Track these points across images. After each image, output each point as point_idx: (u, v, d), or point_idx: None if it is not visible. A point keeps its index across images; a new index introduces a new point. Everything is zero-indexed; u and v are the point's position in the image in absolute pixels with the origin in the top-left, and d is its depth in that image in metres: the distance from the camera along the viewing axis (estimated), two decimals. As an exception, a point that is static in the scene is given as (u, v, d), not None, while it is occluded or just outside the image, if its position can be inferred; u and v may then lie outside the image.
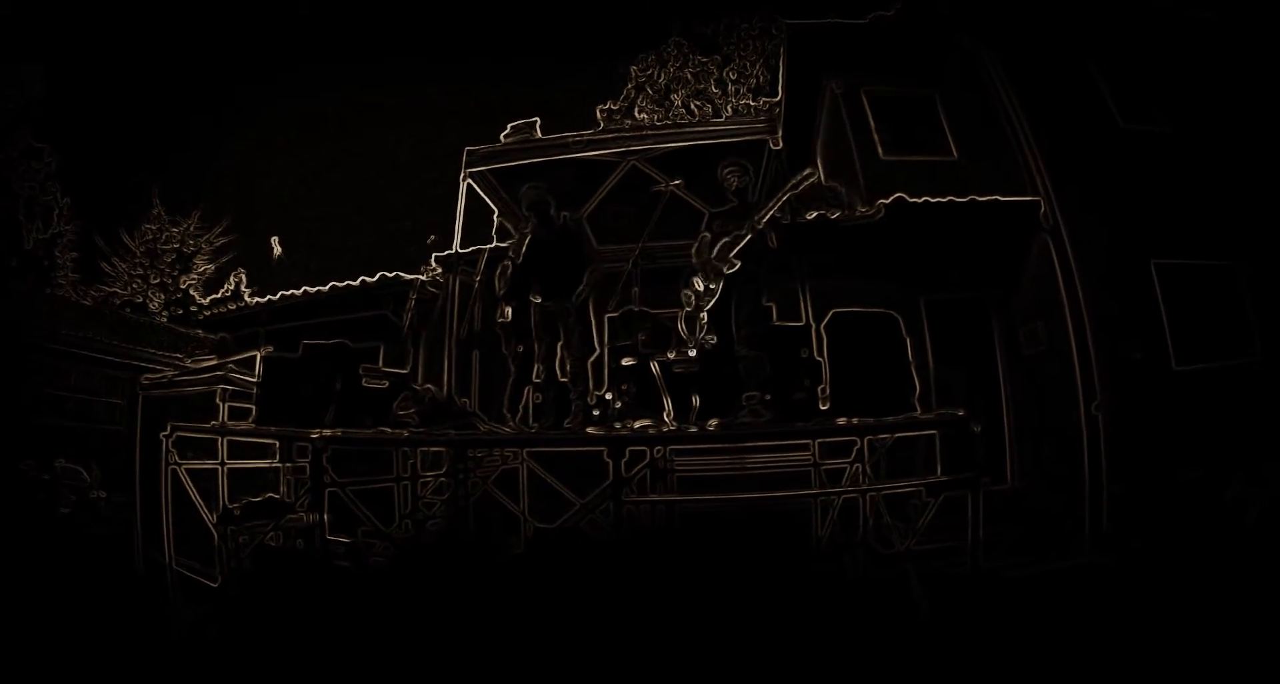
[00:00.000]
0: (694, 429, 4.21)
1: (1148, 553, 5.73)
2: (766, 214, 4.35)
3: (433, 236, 5.58)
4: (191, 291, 16.38)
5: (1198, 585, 4.84)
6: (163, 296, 16.51)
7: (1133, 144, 7.26)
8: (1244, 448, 5.94)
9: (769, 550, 5.37)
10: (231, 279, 15.74)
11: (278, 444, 6.69)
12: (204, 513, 5.30)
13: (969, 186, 6.98)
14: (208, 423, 5.27)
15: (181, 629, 5.33)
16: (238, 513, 5.97)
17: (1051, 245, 6.78)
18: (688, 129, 6.72)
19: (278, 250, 5.43)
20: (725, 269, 4.39)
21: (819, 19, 8.05)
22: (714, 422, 4.18)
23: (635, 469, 5.60)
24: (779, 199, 4.40)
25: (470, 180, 5.49)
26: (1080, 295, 6.59)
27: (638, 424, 3.90)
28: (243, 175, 18.33)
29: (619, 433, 3.98)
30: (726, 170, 4.77)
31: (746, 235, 4.38)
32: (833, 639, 4.25)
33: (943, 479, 4.22)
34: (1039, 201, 6.87)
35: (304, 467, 6.35)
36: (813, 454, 6.04)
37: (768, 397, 4.07)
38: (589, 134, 5.24)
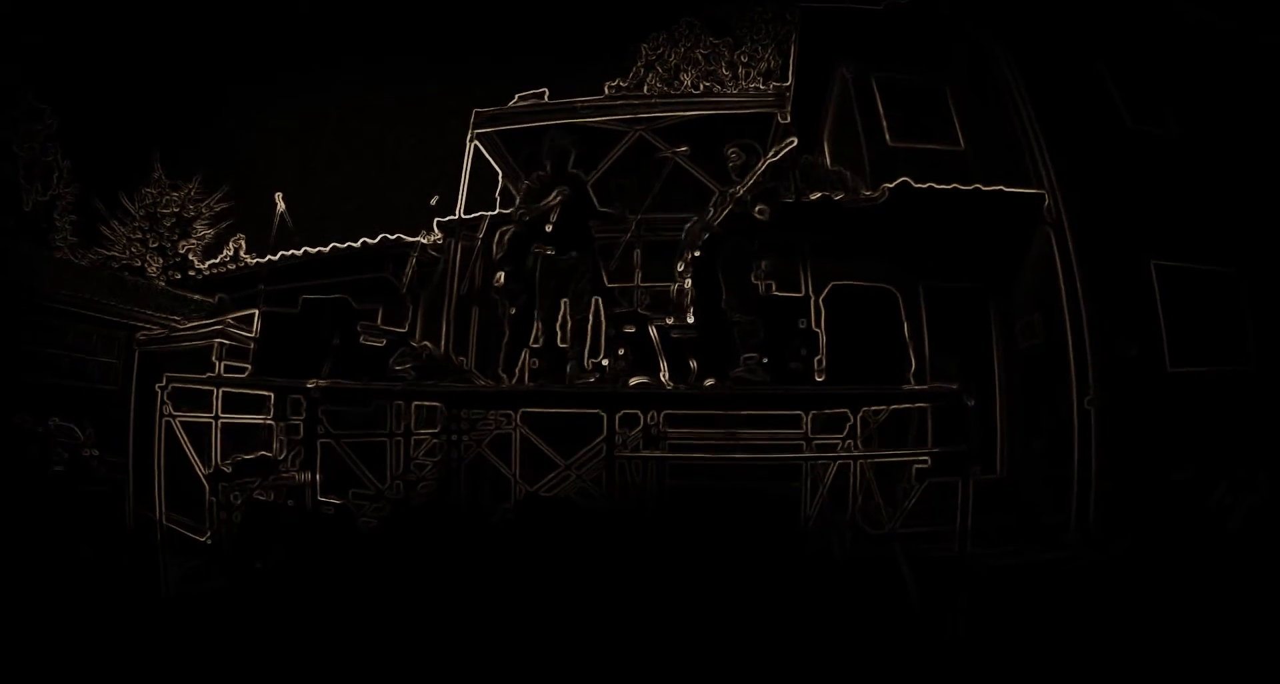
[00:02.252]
0: (689, 391, 4.21)
1: (1131, 551, 5.79)
2: (745, 185, 4.36)
3: (436, 196, 5.56)
4: (190, 256, 16.24)
5: (1178, 585, 4.90)
6: (161, 261, 16.37)
7: (1140, 145, 7.26)
8: (1232, 454, 6.00)
9: (757, 526, 5.41)
10: (231, 244, 15.63)
11: (272, 398, 6.71)
12: (196, 465, 5.30)
13: (974, 177, 7.00)
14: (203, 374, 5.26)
15: (170, 583, 5.34)
16: (229, 470, 6.00)
17: (1053, 239, 6.79)
18: (696, 99, 6.70)
19: (281, 207, 5.39)
20: (704, 239, 4.40)
21: (834, 3, 8.03)
22: (709, 381, 4.19)
23: (631, 431, 5.64)
24: (756, 170, 4.41)
25: (477, 142, 5.46)
26: (1080, 290, 6.61)
27: (634, 381, 3.91)
28: (245, 141, 18.22)
29: (613, 389, 3.99)
30: (730, 150, 4.75)
31: (727, 206, 4.39)
32: (819, 610, 4.29)
33: (935, 450, 4.24)
34: (1043, 195, 6.88)
35: (297, 424, 6.37)
36: (804, 428, 6.10)
37: (765, 359, 4.07)
38: (598, 99, 5.21)
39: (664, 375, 4.38)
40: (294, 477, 6.25)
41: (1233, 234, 6.87)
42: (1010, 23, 7.54)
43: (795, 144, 4.59)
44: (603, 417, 4.45)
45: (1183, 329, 6.69)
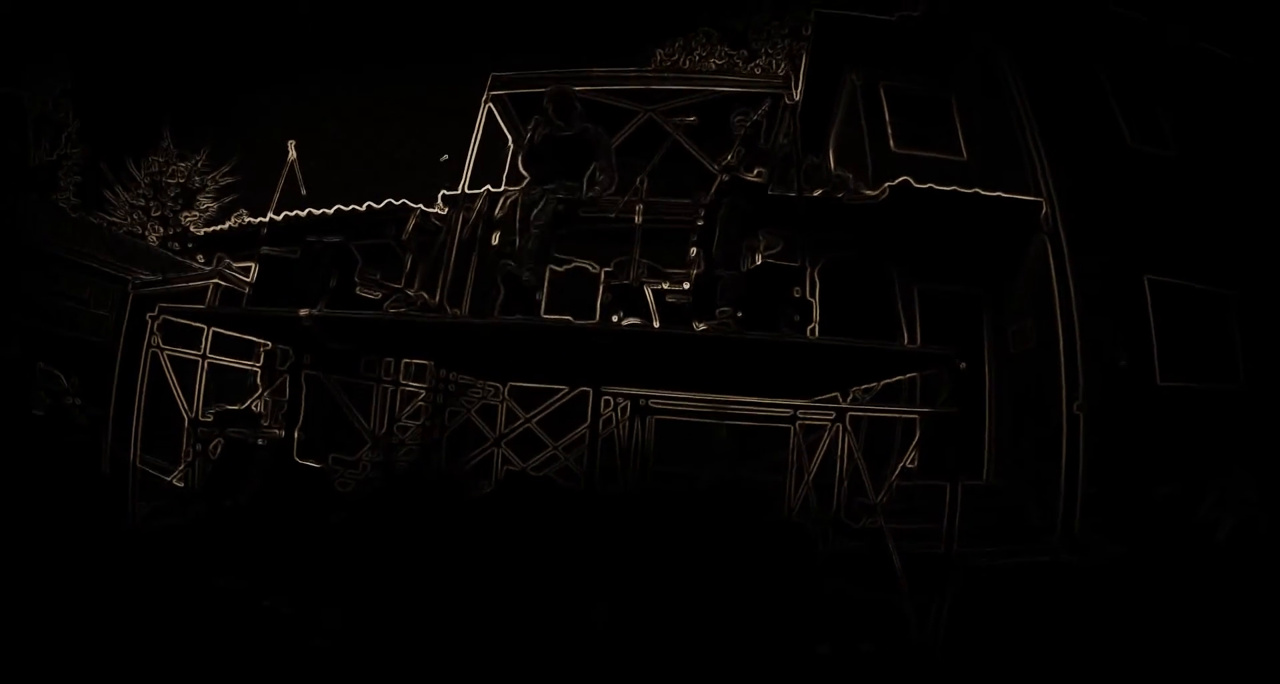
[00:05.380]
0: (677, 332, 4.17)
1: (1117, 557, 5.77)
2: (729, 157, 4.45)
3: (445, 156, 5.59)
4: (192, 228, 16.24)
5: (1164, 592, 4.87)
6: (162, 230, 16.36)
7: (1138, 163, 7.39)
8: (1217, 467, 6.02)
9: (739, 514, 5.36)
10: (234, 219, 15.62)
11: (262, 353, 6.67)
12: (180, 400, 5.24)
13: (974, 186, 7.09)
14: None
15: (136, 518, 5.24)
16: (210, 420, 5.94)
17: (1049, 247, 6.87)
18: (707, 76, 6.82)
19: (293, 155, 5.41)
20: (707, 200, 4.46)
21: (849, 11, 8.24)
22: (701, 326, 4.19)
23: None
24: (745, 128, 4.48)
25: (491, 105, 5.53)
26: (1073, 299, 6.66)
27: (627, 322, 3.91)
28: (255, 115, 18.23)
29: (604, 327, 3.98)
30: (736, 117, 4.82)
31: (719, 178, 4.47)
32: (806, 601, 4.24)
33: (924, 409, 4.22)
34: (1041, 203, 6.97)
35: (281, 385, 6.32)
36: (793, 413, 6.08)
37: (739, 313, 4.06)
38: (612, 69, 5.30)
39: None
40: (275, 432, 6.21)
41: (1226, 255, 6.97)
42: (1018, 37, 7.72)
43: (763, 114, 4.61)
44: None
45: (1173, 344, 6.75)
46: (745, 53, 14.60)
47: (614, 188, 4.67)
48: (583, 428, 6.55)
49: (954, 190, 6.84)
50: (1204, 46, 7.99)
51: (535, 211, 4.27)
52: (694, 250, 4.51)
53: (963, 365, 3.65)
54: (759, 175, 4.39)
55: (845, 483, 5.44)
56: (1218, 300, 7.07)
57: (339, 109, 19.60)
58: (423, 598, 4.02)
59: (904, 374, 4.46)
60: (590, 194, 4.45)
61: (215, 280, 5.54)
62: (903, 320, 4.59)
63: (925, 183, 6.93)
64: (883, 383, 5.15)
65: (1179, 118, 7.69)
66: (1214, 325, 7.02)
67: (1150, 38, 7.97)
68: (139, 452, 5.41)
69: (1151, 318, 6.83)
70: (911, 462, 5.90)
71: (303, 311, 4.22)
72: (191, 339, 5.68)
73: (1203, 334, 6.94)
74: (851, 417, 5.41)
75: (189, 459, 5.57)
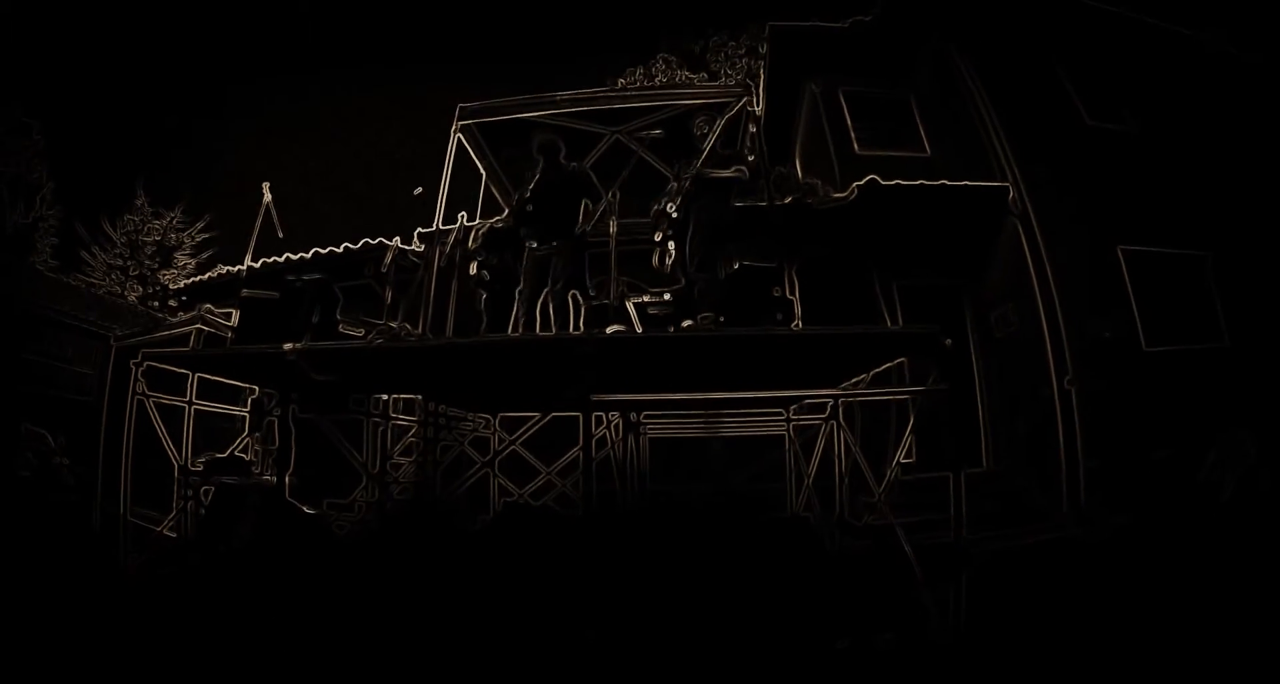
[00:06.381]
0: (662, 334, 4.19)
1: (1126, 529, 5.75)
2: (695, 163, 4.55)
3: (419, 188, 5.64)
4: (170, 286, 16.17)
5: (1178, 560, 4.85)
6: (141, 289, 16.28)
7: (1099, 140, 7.55)
8: (1214, 426, 6.05)
9: (743, 529, 5.30)
10: (214, 271, 15.55)
11: (249, 403, 6.61)
12: (169, 448, 5.17)
13: (940, 179, 7.21)
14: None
15: (130, 573, 5.13)
16: (200, 469, 5.85)
17: (1020, 230, 6.98)
18: (670, 90, 6.97)
19: (268, 197, 5.45)
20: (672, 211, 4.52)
21: (802, 23, 8.45)
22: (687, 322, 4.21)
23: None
24: (714, 132, 4.59)
25: (460, 135, 5.61)
26: (1050, 277, 6.75)
27: (610, 329, 3.91)
28: (230, 170, 18.37)
29: (588, 335, 3.98)
30: (699, 118, 4.94)
31: (685, 184, 4.55)
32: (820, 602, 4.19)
33: (916, 388, 4.23)
34: (1007, 188, 7.10)
35: (270, 433, 6.26)
36: (786, 415, 6.08)
37: (721, 318, 4.11)
38: (576, 93, 5.41)
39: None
40: (268, 480, 6.13)
41: (1195, 217, 7.09)
42: (969, 32, 7.93)
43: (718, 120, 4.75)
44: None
45: (1155, 310, 6.83)
46: (705, 75, 14.96)
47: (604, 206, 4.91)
48: (575, 451, 6.51)
49: (920, 184, 6.96)
50: (1149, 21, 8.22)
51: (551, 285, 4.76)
52: (660, 248, 4.55)
53: (948, 342, 3.67)
54: (736, 171, 4.47)
55: (846, 481, 5.42)
56: (1193, 262, 7.16)
57: (314, 154, 19.80)
58: (426, 639, 3.94)
59: (891, 360, 4.48)
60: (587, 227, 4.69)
61: (198, 326, 5.51)
62: (885, 316, 4.62)
63: (892, 180, 7.06)
64: (872, 373, 5.16)
65: (1135, 93, 7.87)
66: (1192, 287, 7.11)
67: (1098, 19, 8.20)
68: (129, 503, 5.32)
69: (1129, 287, 6.91)
70: (909, 456, 5.89)
71: (287, 346, 4.22)
72: (177, 387, 5.64)
73: (1182, 297, 7.02)
74: (846, 415, 5.42)
75: (180, 508, 5.49)
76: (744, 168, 4.50)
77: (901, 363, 4.80)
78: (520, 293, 5.05)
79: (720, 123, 4.63)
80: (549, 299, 4.95)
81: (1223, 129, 7.47)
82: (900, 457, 4.62)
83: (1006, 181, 7.11)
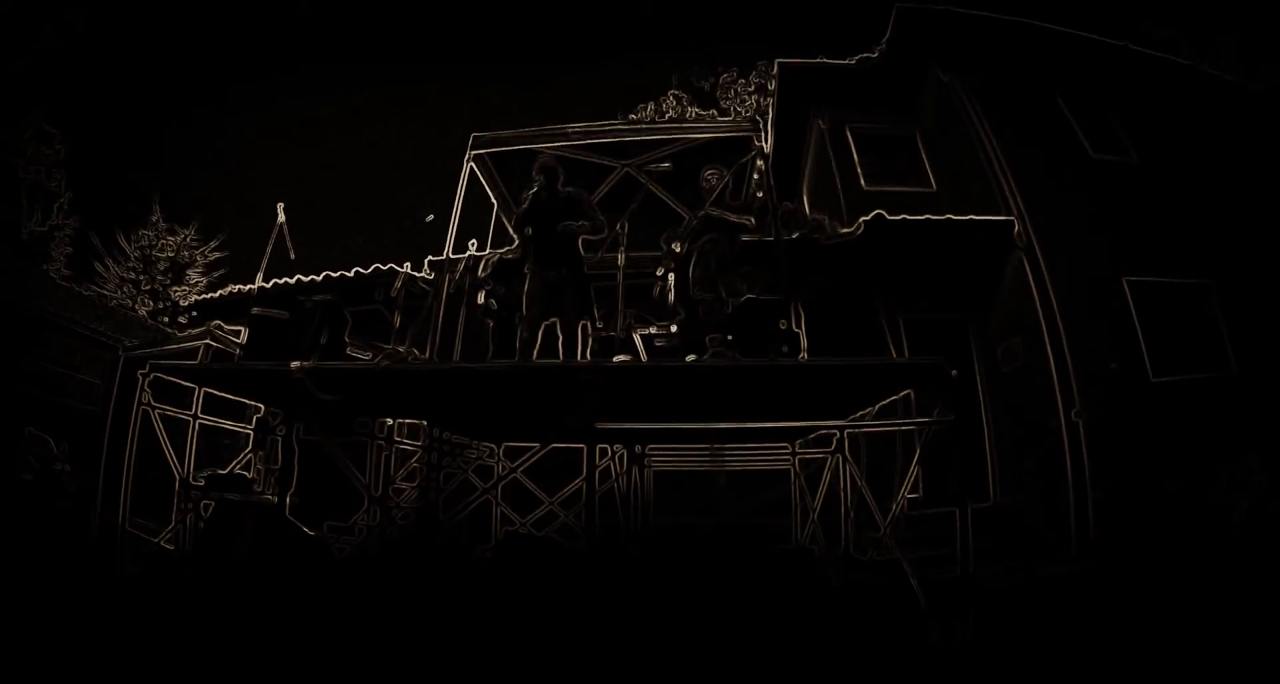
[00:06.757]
0: (670, 364, 4.20)
1: (1137, 559, 5.66)
2: (705, 208, 4.65)
3: (430, 215, 5.73)
4: (181, 303, 16.26)
5: (1191, 588, 4.77)
6: (152, 304, 16.41)
7: (1102, 172, 7.62)
8: (1223, 454, 5.99)
9: (747, 562, 5.23)
10: (225, 290, 15.66)
11: (254, 421, 6.62)
12: (171, 460, 5.17)
13: (946, 213, 7.28)
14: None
15: (126, 585, 5.10)
16: (201, 484, 5.85)
17: (1026, 263, 7.01)
18: (680, 124, 7.11)
19: (281, 217, 5.52)
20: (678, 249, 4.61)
21: (809, 59, 8.64)
22: (691, 357, 4.22)
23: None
24: (724, 183, 4.73)
25: (473, 165, 5.72)
26: (1056, 309, 6.76)
27: (617, 359, 3.92)
28: (244, 186, 18.58)
29: (595, 364, 3.99)
30: (708, 172, 5.03)
31: (691, 223, 4.63)
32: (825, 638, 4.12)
33: (924, 419, 4.21)
34: (1013, 221, 7.16)
35: (274, 452, 6.26)
36: (791, 449, 6.04)
37: (729, 337, 4.12)
38: (587, 125, 5.52)
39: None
40: (268, 498, 6.11)
41: (1198, 247, 7.10)
42: (974, 69, 8.07)
43: (726, 175, 4.87)
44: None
45: (1161, 340, 6.80)
46: (714, 112, 15.28)
47: (605, 231, 5.02)
48: (579, 481, 6.47)
49: (927, 218, 7.02)
50: (1150, 54, 8.35)
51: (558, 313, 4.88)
52: (660, 283, 4.60)
53: (954, 372, 3.67)
54: (743, 220, 4.55)
55: (851, 514, 5.35)
56: (1198, 291, 7.16)
57: (330, 176, 20.10)
58: (418, 666, 3.88)
59: (896, 392, 4.46)
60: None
61: (207, 342, 5.56)
62: (892, 350, 4.63)
63: (898, 214, 7.13)
64: (878, 406, 5.14)
65: (1135, 125, 7.96)
66: (1198, 316, 7.09)
67: (1099, 52, 8.33)
68: (128, 512, 5.30)
69: (1136, 318, 6.90)
70: (915, 491, 5.82)
71: (294, 364, 4.25)
72: (182, 400, 5.67)
73: (1188, 326, 7.00)
74: (852, 448, 5.38)
75: (179, 520, 5.46)
76: (751, 218, 4.58)
77: (908, 397, 4.79)
78: (521, 315, 5.07)
79: (727, 178, 4.71)
80: (561, 330, 5.00)
81: (1224, 158, 7.54)
82: (905, 491, 4.58)
83: (1011, 215, 7.17)
